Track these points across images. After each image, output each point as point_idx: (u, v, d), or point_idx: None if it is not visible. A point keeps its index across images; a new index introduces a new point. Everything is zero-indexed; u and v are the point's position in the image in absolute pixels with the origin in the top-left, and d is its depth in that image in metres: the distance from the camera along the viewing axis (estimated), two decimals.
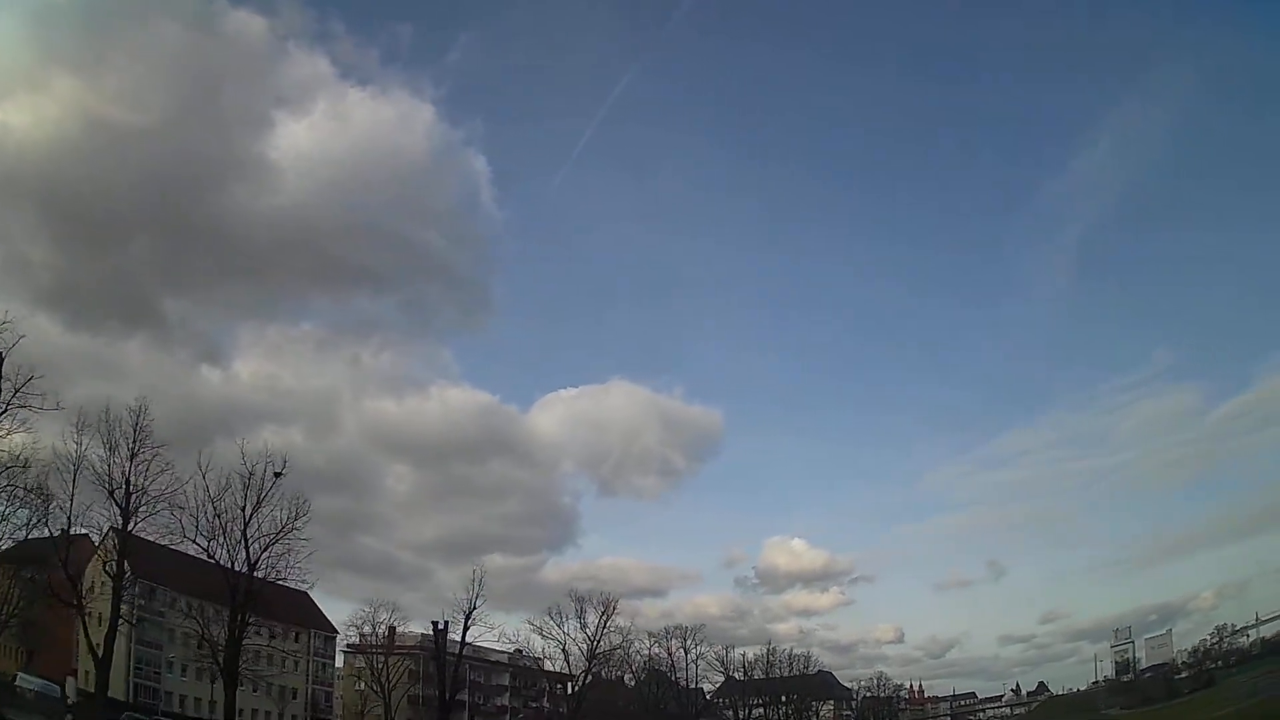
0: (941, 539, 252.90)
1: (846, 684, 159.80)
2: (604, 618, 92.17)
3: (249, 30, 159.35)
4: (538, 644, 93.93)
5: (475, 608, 77.35)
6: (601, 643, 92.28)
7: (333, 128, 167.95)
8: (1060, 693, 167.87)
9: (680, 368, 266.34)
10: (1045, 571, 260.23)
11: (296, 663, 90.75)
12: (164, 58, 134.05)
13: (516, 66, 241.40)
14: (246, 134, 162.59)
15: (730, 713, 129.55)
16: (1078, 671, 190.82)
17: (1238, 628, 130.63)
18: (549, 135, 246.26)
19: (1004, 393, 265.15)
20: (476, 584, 78.36)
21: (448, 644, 79.75)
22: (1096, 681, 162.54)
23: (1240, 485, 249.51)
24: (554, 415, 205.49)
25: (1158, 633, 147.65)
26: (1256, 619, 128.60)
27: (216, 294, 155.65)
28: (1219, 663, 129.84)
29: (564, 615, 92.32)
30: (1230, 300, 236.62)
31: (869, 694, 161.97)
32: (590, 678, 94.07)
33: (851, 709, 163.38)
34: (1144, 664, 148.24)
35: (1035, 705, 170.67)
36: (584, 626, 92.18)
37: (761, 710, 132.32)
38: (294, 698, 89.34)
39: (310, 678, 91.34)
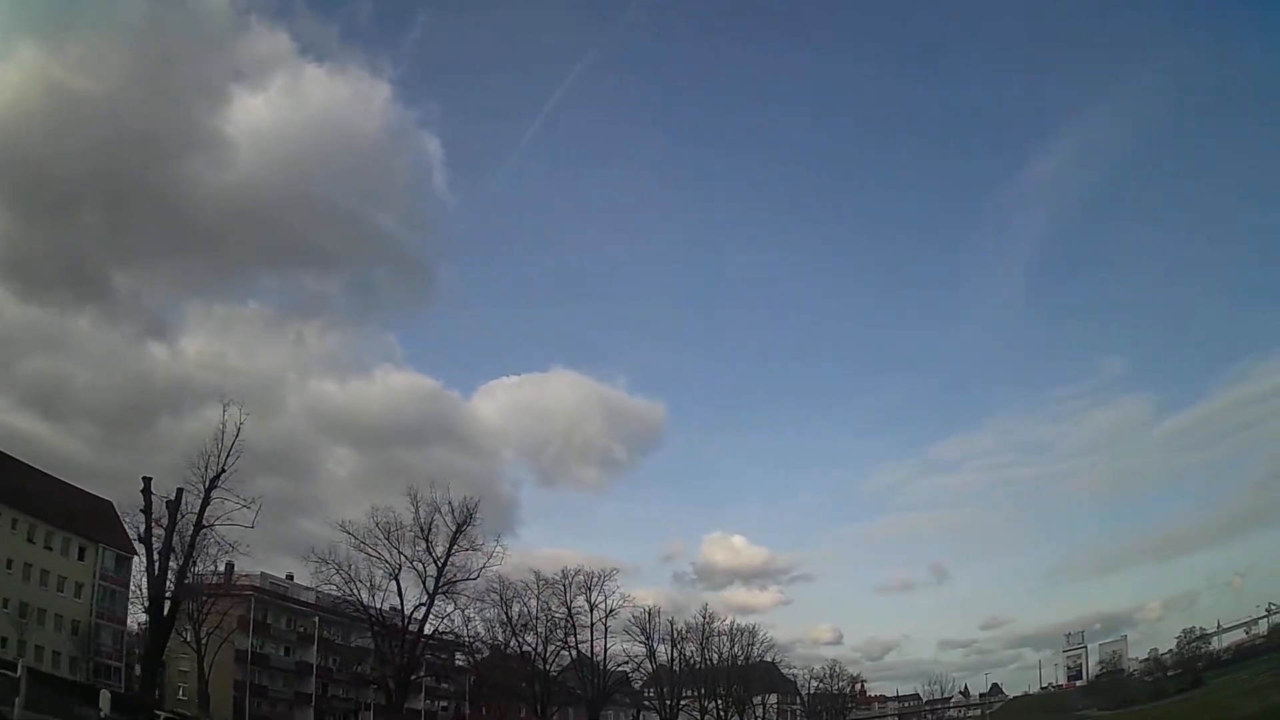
0: (883, 541, 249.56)
1: (789, 673, 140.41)
2: (457, 534, 63.56)
3: (212, 1, 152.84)
4: (360, 568, 62.25)
5: (224, 470, 46.94)
6: (452, 568, 63.78)
7: (289, 104, 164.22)
8: (1015, 695, 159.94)
9: (624, 359, 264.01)
10: (988, 577, 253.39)
11: (80, 587, 68.82)
12: (128, 27, 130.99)
13: (475, 48, 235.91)
14: (203, 107, 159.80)
15: (657, 702, 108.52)
16: (1020, 677, 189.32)
17: (1206, 632, 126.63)
18: (504, 120, 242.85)
19: (950, 397, 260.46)
20: (229, 433, 47.73)
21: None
22: (1047, 686, 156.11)
23: (1189, 499, 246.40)
24: (496, 403, 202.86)
25: (1113, 638, 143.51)
26: (1219, 626, 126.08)
27: (166, 269, 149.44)
28: (1183, 668, 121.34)
29: (400, 527, 63.20)
30: (1184, 312, 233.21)
31: (820, 685, 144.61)
32: (431, 619, 65.80)
33: (798, 702, 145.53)
34: (1097, 670, 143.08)
35: (999, 706, 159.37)
36: (429, 547, 63.19)
37: (695, 701, 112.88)
38: (74, 632, 67.35)
39: (94, 609, 68.89)
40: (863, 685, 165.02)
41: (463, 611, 70.26)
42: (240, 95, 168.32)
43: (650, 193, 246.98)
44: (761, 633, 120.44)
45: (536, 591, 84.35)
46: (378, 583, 62.55)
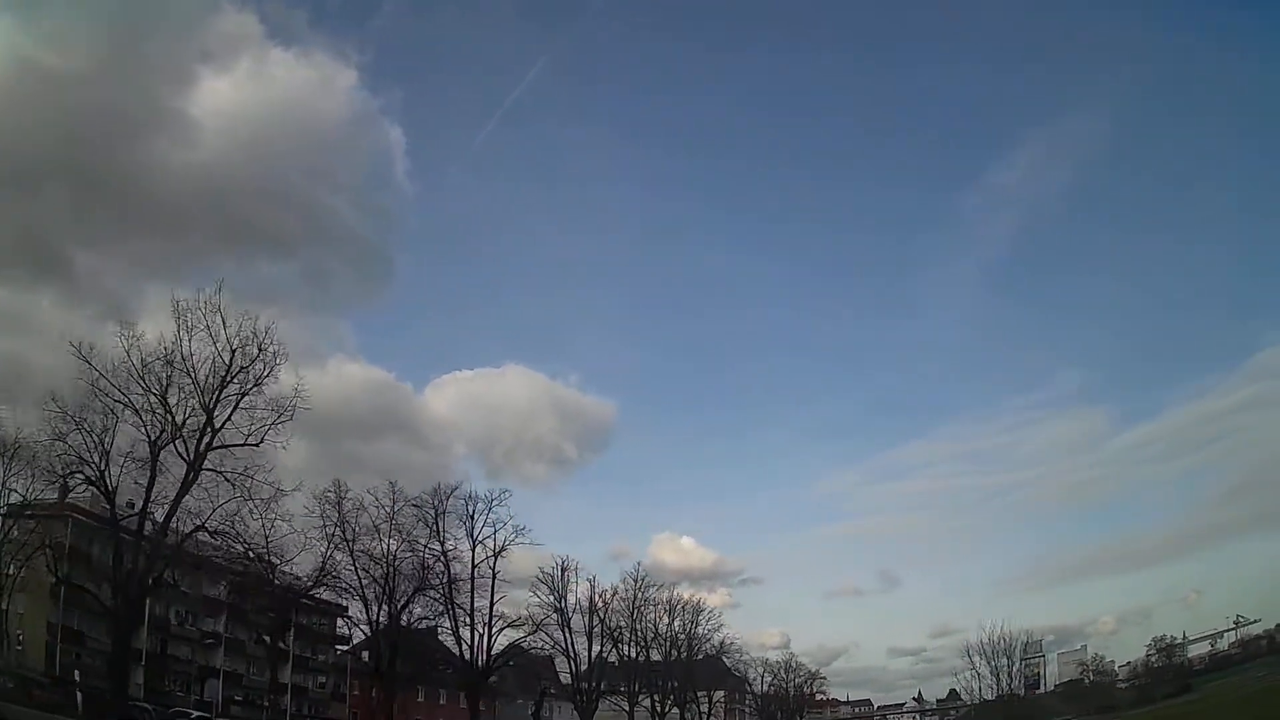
0: (834, 546, 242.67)
1: (738, 666, 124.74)
2: (239, 372, 46.50)
3: None
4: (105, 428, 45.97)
5: None
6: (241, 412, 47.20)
7: (254, 87, 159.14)
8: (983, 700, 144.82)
9: (577, 357, 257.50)
10: (939, 586, 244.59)
11: None
12: (102, 3, 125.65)
13: (441, 38, 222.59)
14: (170, 87, 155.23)
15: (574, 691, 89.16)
16: (968, 687, 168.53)
17: (1177, 641, 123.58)
18: (467, 112, 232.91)
19: (904, 403, 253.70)
20: None
21: None
22: (1001, 695, 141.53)
23: (1145, 513, 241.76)
24: (448, 396, 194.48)
25: (1073, 647, 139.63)
26: (1184, 638, 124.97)
27: (126, 250, 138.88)
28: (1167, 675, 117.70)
29: (167, 360, 46.22)
30: (1146, 325, 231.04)
31: (774, 682, 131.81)
32: (199, 510, 47.81)
33: (748, 702, 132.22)
34: (1058, 678, 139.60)
35: (965, 710, 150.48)
36: (202, 398, 46.54)
37: (627, 697, 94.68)
38: None
39: None
40: (820, 683, 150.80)
41: (250, 503, 48.65)
42: (207, 76, 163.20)
43: (610, 191, 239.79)
44: (708, 610, 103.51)
45: (391, 509, 61.99)
46: (134, 452, 45.69)
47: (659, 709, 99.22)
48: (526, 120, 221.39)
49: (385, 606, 63.04)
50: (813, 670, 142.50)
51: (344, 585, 60.94)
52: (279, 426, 47.61)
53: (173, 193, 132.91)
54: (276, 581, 59.23)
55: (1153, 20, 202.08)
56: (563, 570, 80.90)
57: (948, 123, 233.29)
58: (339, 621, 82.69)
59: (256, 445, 47.25)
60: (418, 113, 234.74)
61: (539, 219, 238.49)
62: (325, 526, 57.53)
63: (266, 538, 52.38)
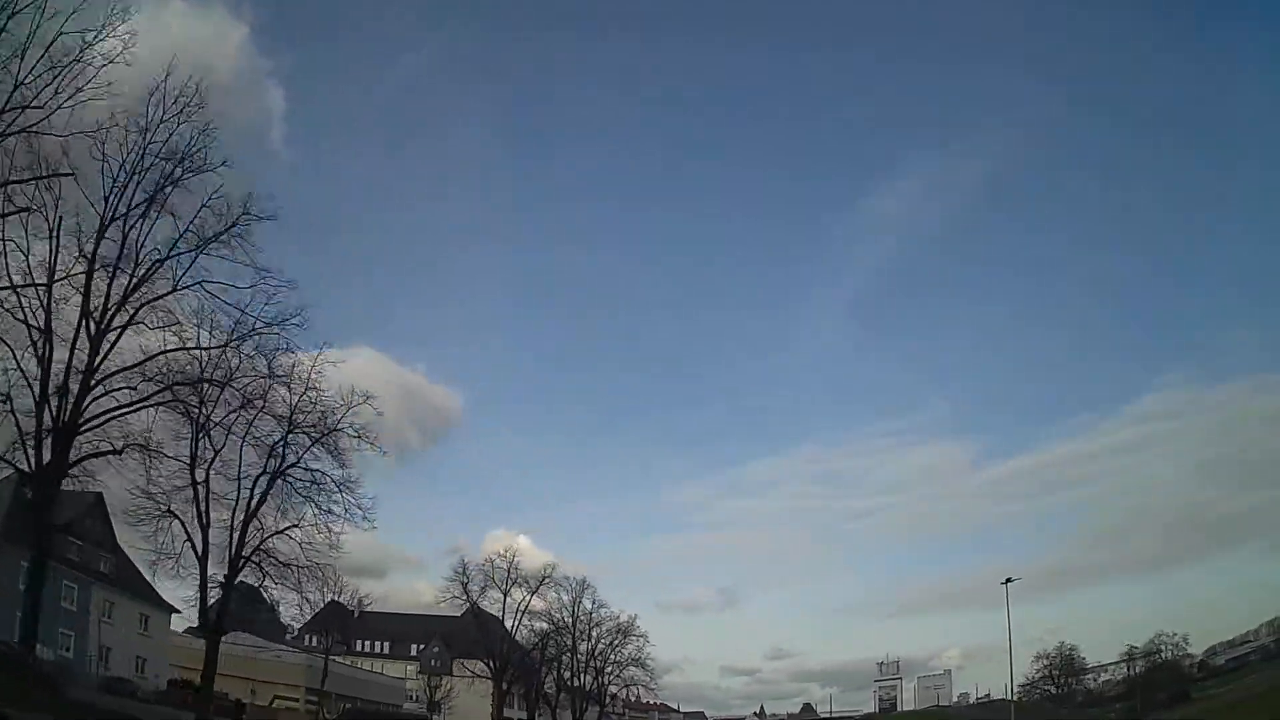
0: (675, 558, 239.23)
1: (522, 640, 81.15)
2: None
3: None
4: None
5: None
6: None
7: (148, 36, 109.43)
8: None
9: (427, 344, 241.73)
10: (780, 607, 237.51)
11: None
12: None
13: (337, 5, 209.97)
14: (73, 32, 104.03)
15: None
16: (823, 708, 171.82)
17: (1090, 665, 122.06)
18: (350, 86, 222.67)
19: (763, 418, 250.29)
20: None
21: None
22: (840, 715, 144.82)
23: (1001, 551, 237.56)
24: (295, 372, 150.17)
25: (936, 672, 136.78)
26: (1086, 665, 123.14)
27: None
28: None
29: None
30: (1023, 361, 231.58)
31: (554, 639, 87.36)
32: None
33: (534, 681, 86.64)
34: (915, 703, 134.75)
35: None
36: None
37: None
38: None
39: None
40: (641, 643, 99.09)
41: None
42: (107, 24, 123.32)
43: (482, 183, 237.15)
44: None
45: None
46: None
47: None
48: (409, 101, 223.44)
49: None
50: (622, 621, 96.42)
51: None
52: None
53: (58, 140, 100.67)
54: None
55: (1045, 53, 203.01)
56: None
57: (828, 143, 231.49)
58: None
59: None
60: (303, 80, 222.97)
61: (407, 203, 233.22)
62: None
63: None
